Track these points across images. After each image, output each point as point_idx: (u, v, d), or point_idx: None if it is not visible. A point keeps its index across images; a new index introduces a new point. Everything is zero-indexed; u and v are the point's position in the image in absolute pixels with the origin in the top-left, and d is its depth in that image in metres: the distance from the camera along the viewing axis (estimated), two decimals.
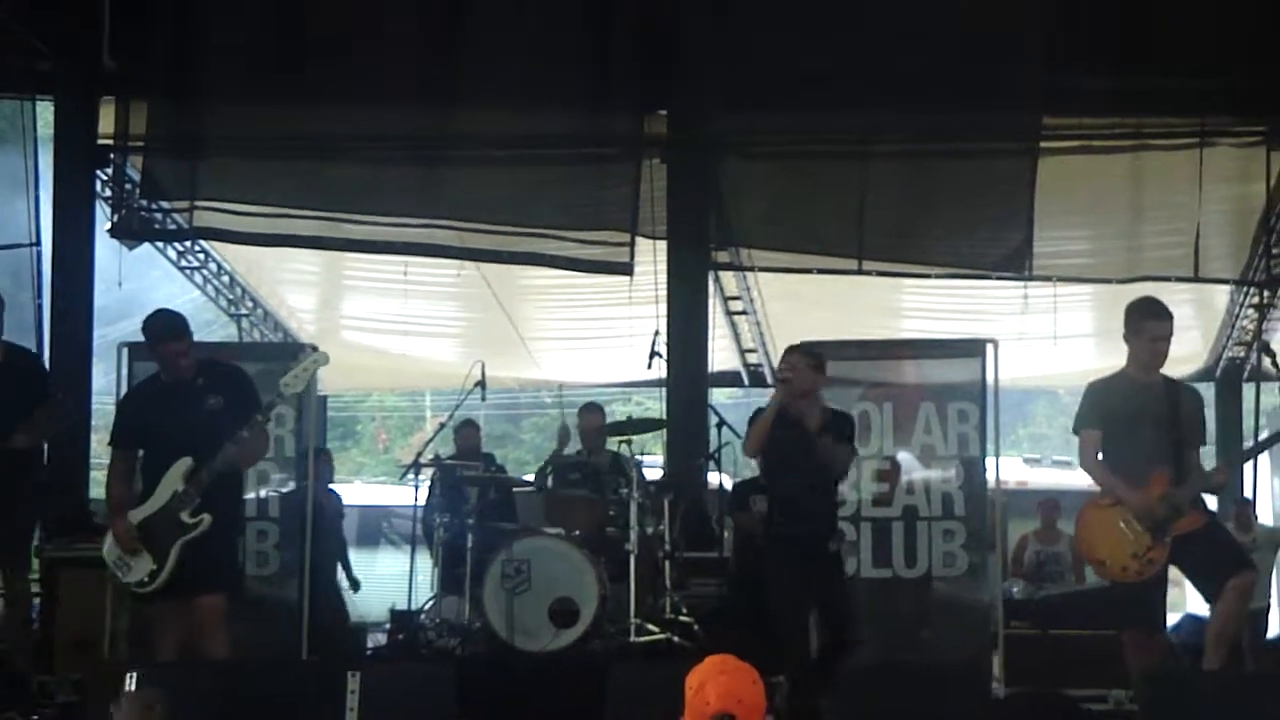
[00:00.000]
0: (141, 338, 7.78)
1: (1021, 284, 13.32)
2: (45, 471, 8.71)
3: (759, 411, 8.54)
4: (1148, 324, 7.48)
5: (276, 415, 7.87)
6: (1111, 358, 7.89)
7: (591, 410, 11.32)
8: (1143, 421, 7.40)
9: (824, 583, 8.22)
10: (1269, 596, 14.08)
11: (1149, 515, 7.26)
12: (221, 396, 7.43)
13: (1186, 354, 15.93)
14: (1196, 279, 13.23)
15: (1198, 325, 15.92)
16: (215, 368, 7.70)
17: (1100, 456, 7.51)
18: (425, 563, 10.65)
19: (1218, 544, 7.45)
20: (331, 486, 11.99)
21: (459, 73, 12.36)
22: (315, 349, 7.75)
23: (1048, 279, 13.35)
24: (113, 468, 7.64)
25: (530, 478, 11.46)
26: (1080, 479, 7.88)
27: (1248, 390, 16.63)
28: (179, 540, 7.27)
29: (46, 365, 10.83)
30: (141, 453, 7.59)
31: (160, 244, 14.51)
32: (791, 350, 8.55)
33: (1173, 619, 11.18)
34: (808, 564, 8.15)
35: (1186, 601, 11.36)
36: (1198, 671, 7.68)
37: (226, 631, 7.47)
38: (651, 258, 12.71)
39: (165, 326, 7.50)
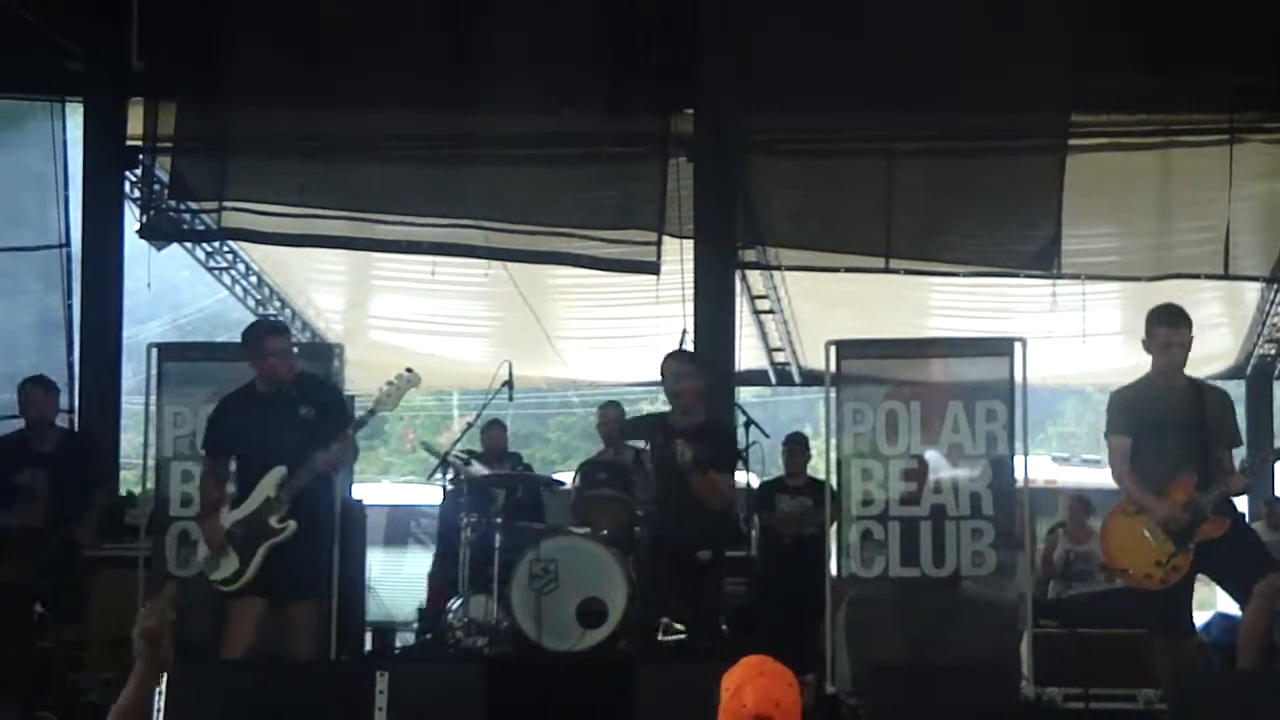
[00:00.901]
0: (171, 338, 7.95)
1: (1050, 282, 13.26)
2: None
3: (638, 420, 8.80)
4: (1159, 330, 7.48)
5: None
6: (1140, 356, 7.86)
7: (607, 407, 11.39)
8: (1168, 425, 7.38)
9: (692, 592, 8.15)
10: None
11: (1172, 524, 7.25)
12: (313, 407, 7.75)
13: (1217, 351, 15.88)
14: (1226, 276, 13.17)
15: (1228, 323, 15.86)
16: (307, 379, 8.11)
17: (1129, 464, 7.49)
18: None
19: (1243, 548, 7.41)
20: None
21: (484, 72, 12.37)
22: (409, 370, 7.95)
23: (1076, 277, 13.30)
24: (205, 471, 8.07)
25: (561, 476, 11.49)
26: (1109, 478, 7.86)
27: (1279, 388, 16.56)
28: (266, 543, 7.59)
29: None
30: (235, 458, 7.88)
31: (189, 244, 14.57)
32: (675, 360, 8.70)
33: (1203, 618, 11.16)
34: (676, 572, 8.12)
35: (1217, 600, 11.32)
36: (1228, 671, 7.67)
37: (315, 636, 7.87)
38: (678, 256, 12.69)
39: (268, 324, 8.19)
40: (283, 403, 7.73)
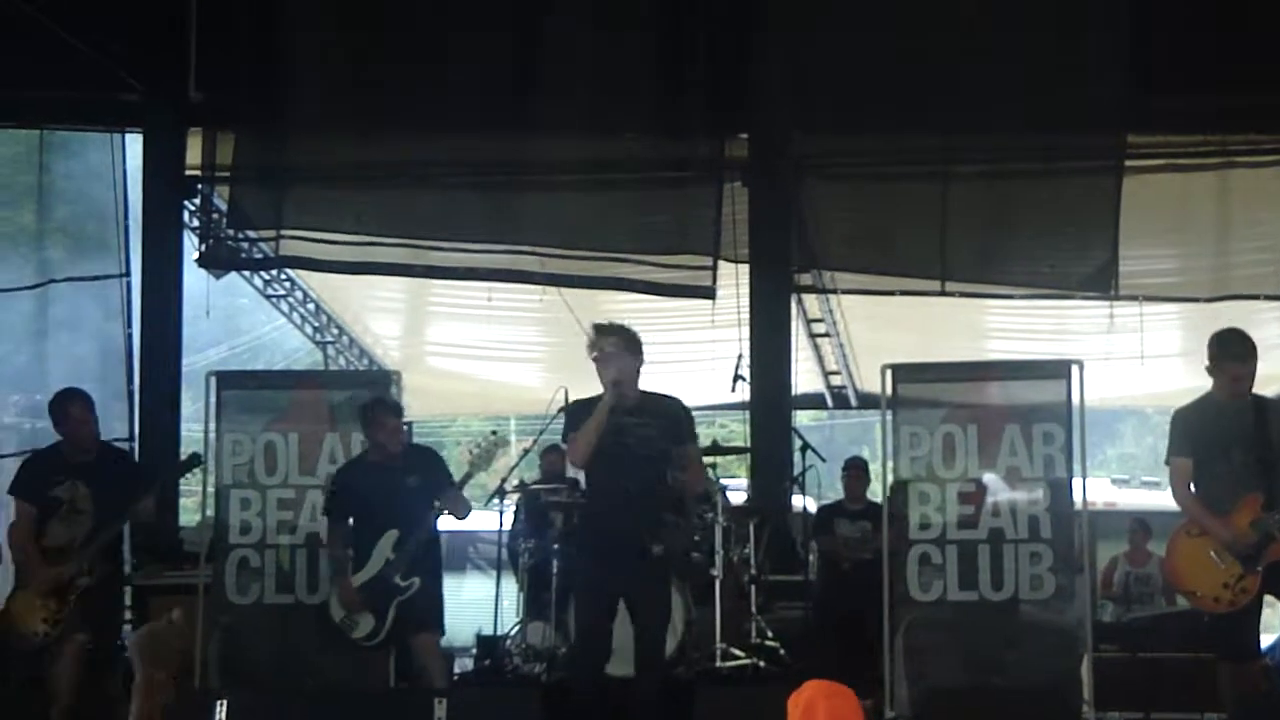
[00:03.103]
0: (230, 366, 8.15)
1: (1107, 303, 13.18)
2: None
3: (578, 405, 8.13)
4: (1229, 365, 7.44)
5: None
6: (1200, 377, 7.82)
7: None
8: (1232, 444, 7.32)
9: (636, 586, 7.70)
10: None
11: (1239, 545, 7.17)
12: (420, 476, 8.50)
13: (1276, 373, 15.72)
14: None
15: None
16: (415, 450, 9.03)
17: (1192, 485, 7.43)
18: (511, 588, 10.68)
19: None
20: None
21: (539, 99, 12.43)
22: (494, 433, 8.90)
23: (1134, 298, 13.20)
24: (330, 536, 8.75)
25: None
26: (1169, 499, 7.79)
27: None
28: (395, 600, 8.34)
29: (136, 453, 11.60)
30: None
31: (247, 273, 14.68)
32: (600, 331, 8.09)
33: (1267, 640, 11.06)
34: (617, 565, 7.63)
35: None
36: None
37: (443, 662, 8.75)
38: (734, 281, 12.71)
39: (384, 400, 8.95)
40: (393, 472, 8.45)
